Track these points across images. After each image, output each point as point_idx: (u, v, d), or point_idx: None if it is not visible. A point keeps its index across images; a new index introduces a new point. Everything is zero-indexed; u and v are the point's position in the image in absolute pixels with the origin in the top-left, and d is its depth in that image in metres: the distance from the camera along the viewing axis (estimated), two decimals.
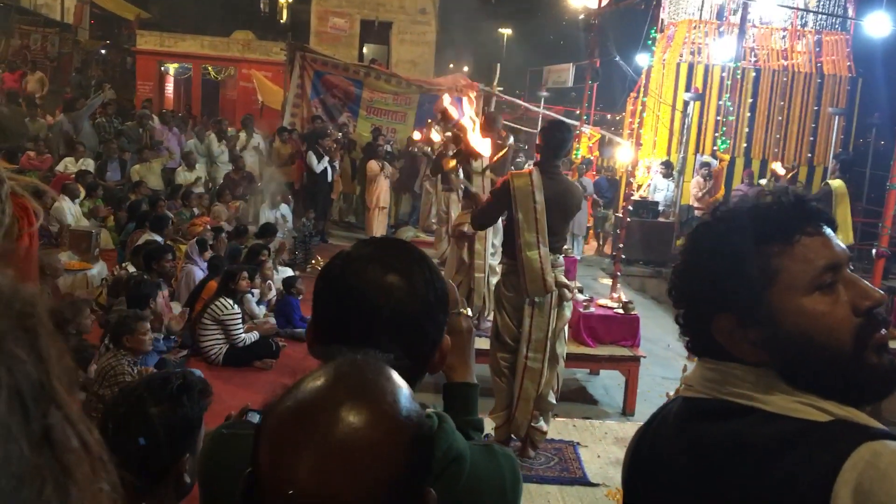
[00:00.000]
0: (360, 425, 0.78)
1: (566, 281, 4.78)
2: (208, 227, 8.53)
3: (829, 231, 1.16)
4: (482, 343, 5.77)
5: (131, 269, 6.73)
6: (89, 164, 11.25)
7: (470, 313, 1.43)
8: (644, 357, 6.52)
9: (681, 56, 14.05)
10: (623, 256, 9.06)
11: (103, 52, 24.46)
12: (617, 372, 6.68)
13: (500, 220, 5.06)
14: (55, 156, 11.88)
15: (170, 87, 21.74)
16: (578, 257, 11.06)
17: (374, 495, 0.77)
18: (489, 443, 1.34)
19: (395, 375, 0.86)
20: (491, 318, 5.64)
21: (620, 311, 6.67)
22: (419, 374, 1.20)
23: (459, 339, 1.40)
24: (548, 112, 15.95)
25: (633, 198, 11.78)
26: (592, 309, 6.66)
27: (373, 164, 12.19)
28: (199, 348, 6.29)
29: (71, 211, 8.86)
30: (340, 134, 13.06)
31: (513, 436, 4.99)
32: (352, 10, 19.90)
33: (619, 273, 8.53)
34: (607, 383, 7.05)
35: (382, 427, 0.79)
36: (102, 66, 23.31)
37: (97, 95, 14.44)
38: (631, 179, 10.55)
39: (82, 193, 9.48)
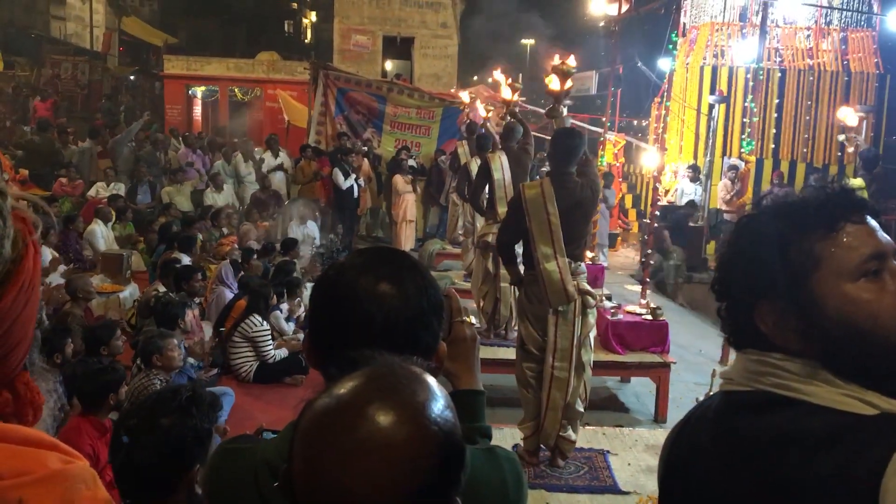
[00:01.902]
0: (383, 425, 0.79)
1: (589, 288, 4.74)
2: (235, 246, 8.63)
3: (873, 222, 1.16)
4: (510, 353, 5.76)
5: (162, 289, 6.82)
6: (120, 189, 11.45)
7: (473, 321, 1.43)
8: (674, 363, 6.45)
9: (704, 59, 13.95)
10: (652, 262, 8.98)
11: (132, 78, 24.91)
12: (648, 379, 6.63)
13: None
14: (86, 181, 12.14)
15: (198, 110, 22.03)
16: (605, 265, 10.98)
17: (393, 497, 0.77)
18: (491, 446, 1.34)
19: (433, 383, 0.87)
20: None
21: (649, 317, 6.62)
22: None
23: (463, 347, 1.41)
24: (571, 120, 15.91)
25: (660, 203, 11.69)
26: (620, 316, 6.61)
27: (399, 179, 12.26)
28: (230, 366, 6.34)
29: (102, 234, 9.01)
30: (366, 148, 13.15)
31: (542, 445, 4.96)
32: (374, 27, 20.04)
33: (647, 279, 8.46)
34: (638, 390, 6.99)
35: (406, 430, 0.79)
36: (132, 92, 23.73)
37: (138, 121, 14.74)
38: (657, 185, 10.47)
39: (113, 217, 9.65)
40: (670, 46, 14.30)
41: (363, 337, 1.16)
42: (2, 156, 11.80)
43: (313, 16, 35.02)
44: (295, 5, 36.90)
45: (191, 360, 5.56)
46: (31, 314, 0.98)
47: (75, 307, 6.15)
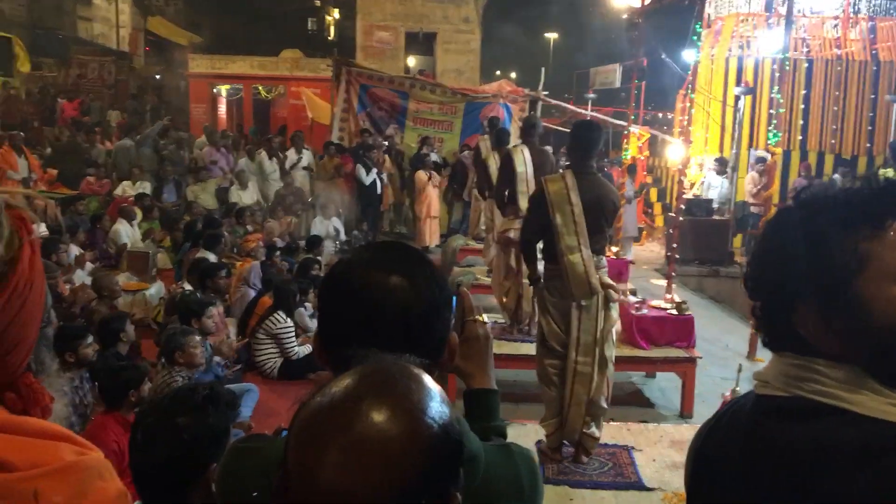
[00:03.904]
0: (378, 421, 0.78)
1: (611, 282, 4.70)
2: (261, 243, 8.67)
3: None
4: (533, 349, 5.73)
5: (187, 287, 6.86)
6: (146, 187, 11.55)
7: (486, 319, 1.42)
8: (700, 358, 6.38)
9: (729, 50, 13.81)
10: (678, 256, 8.91)
11: (158, 77, 25.11)
12: (673, 374, 6.57)
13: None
14: (114, 180, 12.28)
15: (222, 108, 22.17)
16: (631, 259, 10.91)
17: (389, 494, 0.77)
18: (506, 443, 1.33)
19: (427, 379, 0.87)
20: None
21: (674, 311, 6.55)
22: (429, 372, 1.20)
23: (476, 346, 1.40)
24: (595, 114, 15.81)
25: (686, 196, 11.58)
26: (645, 311, 6.55)
27: (420, 174, 12.27)
28: (254, 363, 6.37)
29: (128, 233, 9.10)
30: (387, 143, 13.16)
31: (566, 441, 4.93)
32: (396, 23, 20.04)
33: (673, 273, 8.38)
34: (664, 385, 6.93)
35: (401, 425, 0.79)
36: (158, 92, 23.92)
37: (158, 123, 14.89)
38: (682, 178, 10.35)
39: (139, 215, 9.74)
40: (695, 38, 14.16)
41: (375, 330, 1.16)
42: (30, 155, 11.95)
43: (336, 13, 35.07)
44: (318, 3, 37.00)
45: (217, 358, 5.58)
46: (30, 316, 0.96)
47: (101, 305, 6.21)
